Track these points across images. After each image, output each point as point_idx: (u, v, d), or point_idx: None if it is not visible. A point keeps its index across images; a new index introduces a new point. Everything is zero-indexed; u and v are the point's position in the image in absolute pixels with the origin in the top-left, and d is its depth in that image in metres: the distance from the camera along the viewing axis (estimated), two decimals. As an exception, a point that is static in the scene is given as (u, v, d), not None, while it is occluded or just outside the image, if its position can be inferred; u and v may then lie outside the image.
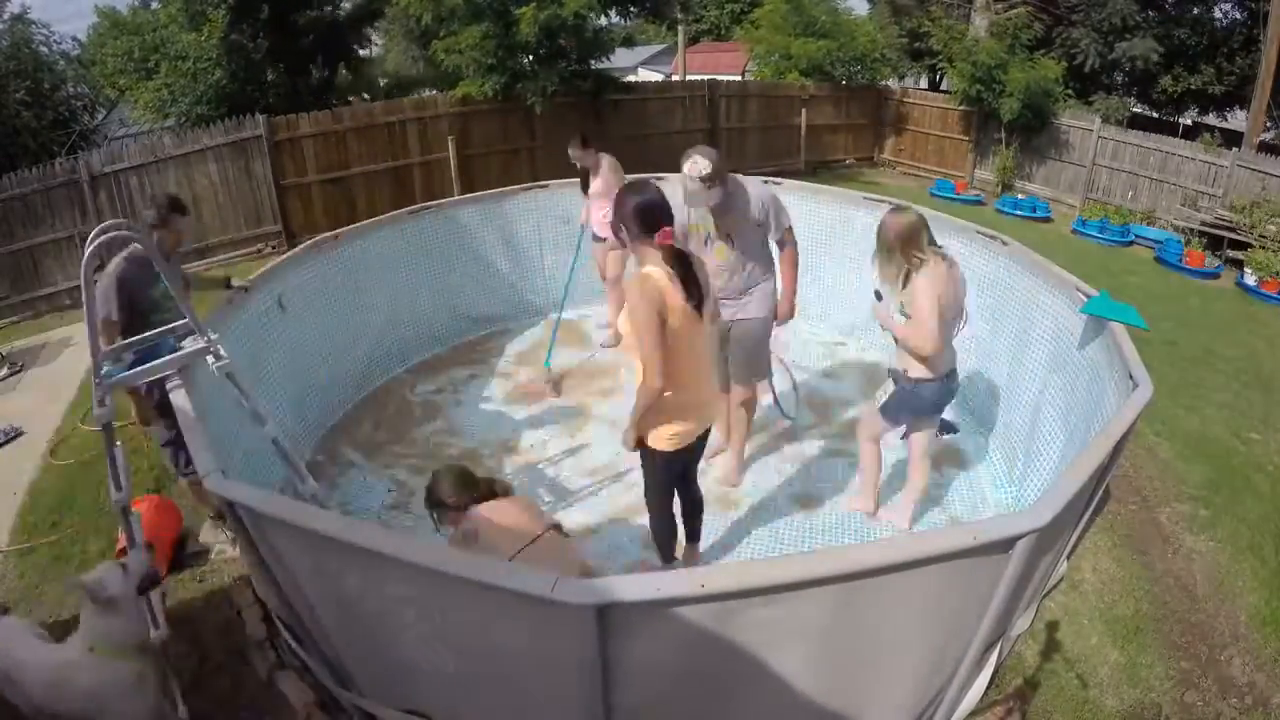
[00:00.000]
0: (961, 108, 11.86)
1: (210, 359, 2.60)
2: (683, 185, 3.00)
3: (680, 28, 19.41)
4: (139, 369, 2.54)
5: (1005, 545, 1.87)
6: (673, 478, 2.89)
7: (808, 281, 5.23)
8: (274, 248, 8.63)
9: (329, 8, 11.53)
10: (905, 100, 13.19)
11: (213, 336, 2.64)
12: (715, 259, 3.27)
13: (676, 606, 1.68)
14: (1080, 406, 3.23)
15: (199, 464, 2.23)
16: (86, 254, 2.16)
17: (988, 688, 2.65)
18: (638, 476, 3.93)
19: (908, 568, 1.75)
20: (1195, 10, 13.81)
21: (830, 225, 5.34)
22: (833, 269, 5.38)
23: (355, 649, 2.42)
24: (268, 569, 2.30)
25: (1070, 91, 11.87)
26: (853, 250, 5.09)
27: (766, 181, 5.11)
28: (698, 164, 2.95)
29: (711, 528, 3.56)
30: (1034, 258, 3.95)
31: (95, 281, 2.71)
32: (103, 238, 2.20)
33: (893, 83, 14.50)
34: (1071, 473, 2.06)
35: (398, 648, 2.16)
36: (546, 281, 5.95)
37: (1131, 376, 2.63)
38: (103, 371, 2.40)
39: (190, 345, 2.65)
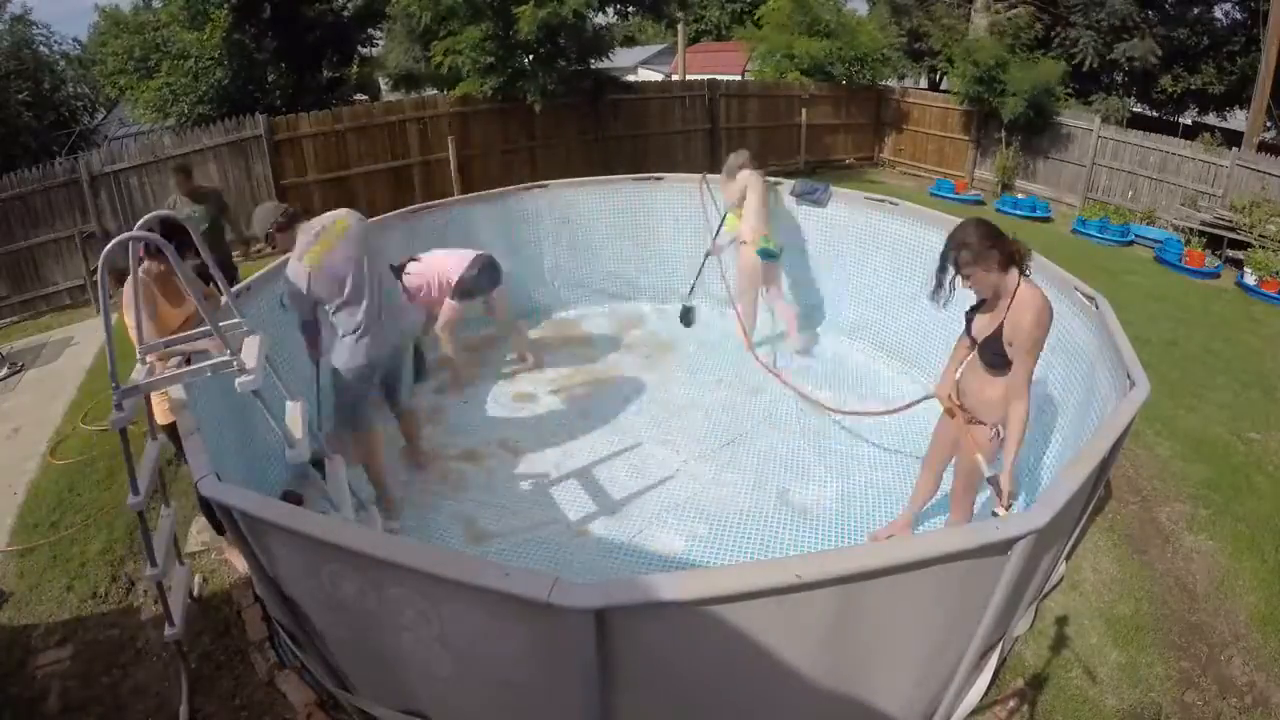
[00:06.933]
0: (962, 107, 11.86)
1: (237, 373, 2.41)
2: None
3: (680, 27, 19.34)
4: (156, 376, 2.41)
5: (1004, 547, 1.87)
6: None
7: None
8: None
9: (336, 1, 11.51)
10: (905, 100, 13.18)
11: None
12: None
13: (675, 609, 1.68)
14: (1077, 406, 3.23)
15: (194, 467, 2.20)
16: (104, 251, 2.10)
17: (988, 688, 2.65)
18: (638, 478, 3.95)
19: (907, 570, 1.75)
20: (1195, 10, 13.77)
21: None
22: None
23: (353, 651, 2.41)
24: (265, 573, 2.29)
25: (1070, 91, 11.87)
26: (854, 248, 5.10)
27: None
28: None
29: (711, 529, 3.57)
30: (1034, 258, 3.94)
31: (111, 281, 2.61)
32: (122, 237, 2.14)
33: (893, 82, 14.50)
34: (1069, 473, 2.06)
35: (395, 650, 2.15)
36: (547, 281, 5.96)
37: (1129, 376, 2.63)
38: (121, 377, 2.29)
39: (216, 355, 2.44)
